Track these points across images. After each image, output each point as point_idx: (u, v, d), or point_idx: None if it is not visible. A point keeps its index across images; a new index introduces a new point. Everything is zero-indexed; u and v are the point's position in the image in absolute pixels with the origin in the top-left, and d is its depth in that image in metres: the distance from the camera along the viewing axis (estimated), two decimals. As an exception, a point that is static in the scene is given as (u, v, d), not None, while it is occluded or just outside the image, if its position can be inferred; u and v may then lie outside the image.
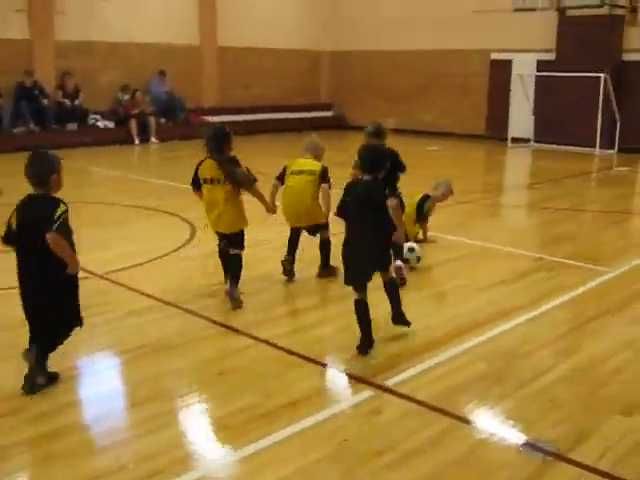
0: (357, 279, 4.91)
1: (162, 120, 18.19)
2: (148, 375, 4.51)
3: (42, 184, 4.21)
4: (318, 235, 6.64)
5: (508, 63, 18.95)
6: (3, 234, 4.26)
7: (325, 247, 6.61)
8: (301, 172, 6.49)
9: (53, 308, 4.25)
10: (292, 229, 6.69)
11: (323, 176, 6.41)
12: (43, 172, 4.22)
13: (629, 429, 3.89)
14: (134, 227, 8.76)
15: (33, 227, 4.12)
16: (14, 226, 4.20)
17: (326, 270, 6.62)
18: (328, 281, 6.47)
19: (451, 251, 7.73)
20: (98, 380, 4.52)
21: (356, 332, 4.91)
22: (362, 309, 4.88)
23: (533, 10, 16.81)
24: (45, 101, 16.30)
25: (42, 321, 4.27)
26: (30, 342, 4.25)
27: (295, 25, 21.84)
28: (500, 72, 19.09)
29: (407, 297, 6.12)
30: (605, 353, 4.96)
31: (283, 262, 6.57)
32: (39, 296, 4.24)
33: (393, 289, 5.13)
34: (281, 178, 6.58)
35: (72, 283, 4.32)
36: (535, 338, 5.24)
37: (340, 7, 22.43)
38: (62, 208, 4.17)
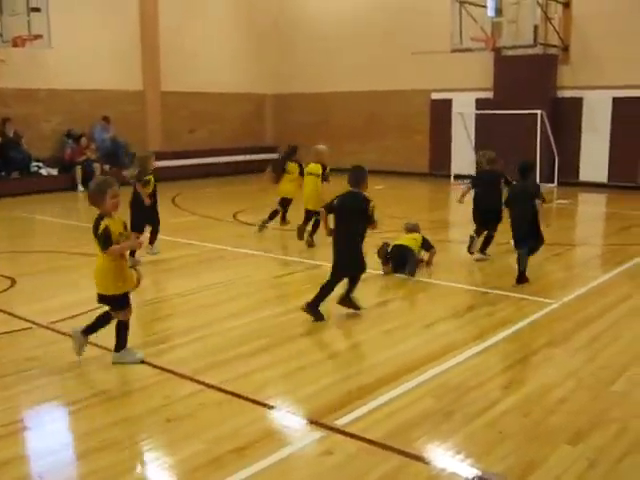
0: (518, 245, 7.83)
1: (106, 166, 18.06)
2: (95, 426, 4.41)
3: (357, 185, 6.61)
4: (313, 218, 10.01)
5: (448, 102, 19.42)
6: (327, 206, 6.71)
7: (316, 226, 9.89)
8: (310, 174, 10.09)
9: (359, 256, 6.63)
10: (306, 213, 10.11)
11: (323, 176, 9.93)
12: (358, 178, 6.65)
13: (576, 458, 3.94)
14: (79, 275, 8.62)
15: (352, 210, 6.55)
16: (335, 204, 6.59)
17: (312, 239, 9.93)
18: (273, 325, 6.48)
19: (397, 288, 7.81)
20: (45, 433, 4.41)
21: (303, 374, 4.92)
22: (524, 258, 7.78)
23: (470, 51, 17.25)
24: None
25: (354, 263, 6.63)
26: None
27: (238, 69, 22.04)
28: (441, 111, 19.53)
29: (353, 336, 6.17)
30: (551, 384, 5.04)
31: (299, 227, 10.06)
32: (351, 248, 6.57)
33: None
34: (302, 174, 10.31)
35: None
36: (482, 371, 5.30)
37: (283, 50, 22.73)
38: (372, 204, 6.53)
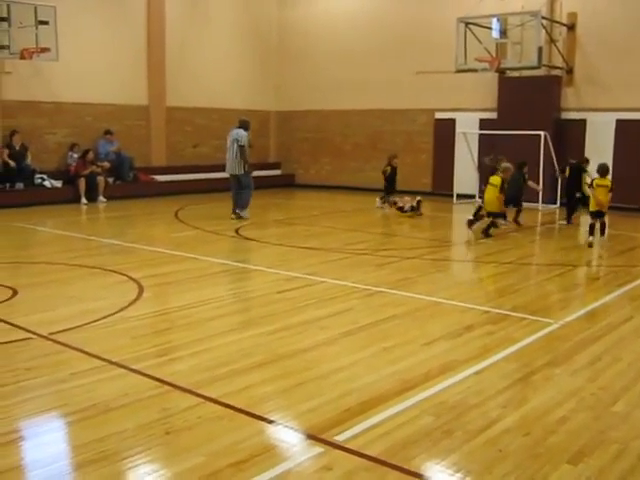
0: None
1: (110, 179, 18.13)
2: (93, 437, 4.38)
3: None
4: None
5: (452, 122, 19.48)
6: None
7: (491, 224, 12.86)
8: (488, 184, 12.92)
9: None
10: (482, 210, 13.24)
11: (502, 187, 12.68)
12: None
13: (577, 477, 3.92)
14: (80, 287, 8.63)
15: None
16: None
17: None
18: (273, 340, 6.46)
19: (397, 306, 7.78)
20: (41, 443, 4.38)
21: (303, 390, 4.94)
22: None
23: (475, 71, 17.33)
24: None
25: None
26: None
27: (243, 85, 22.16)
28: (445, 130, 19.61)
29: (353, 352, 6.15)
30: (551, 403, 5.02)
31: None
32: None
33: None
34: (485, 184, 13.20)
35: None
36: (483, 390, 5.27)
37: (288, 67, 22.86)
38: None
